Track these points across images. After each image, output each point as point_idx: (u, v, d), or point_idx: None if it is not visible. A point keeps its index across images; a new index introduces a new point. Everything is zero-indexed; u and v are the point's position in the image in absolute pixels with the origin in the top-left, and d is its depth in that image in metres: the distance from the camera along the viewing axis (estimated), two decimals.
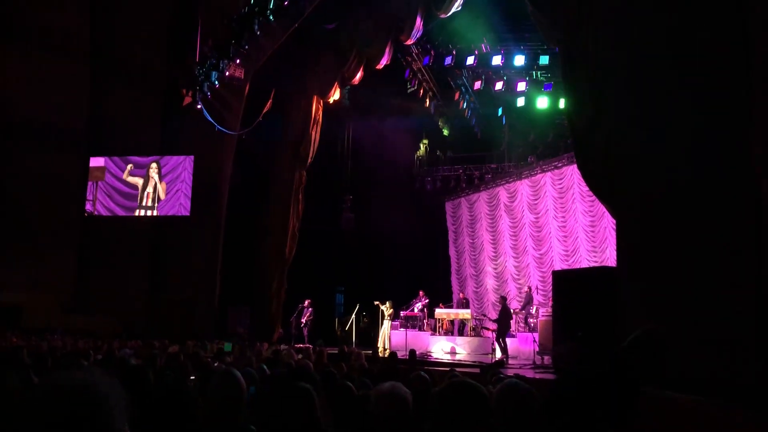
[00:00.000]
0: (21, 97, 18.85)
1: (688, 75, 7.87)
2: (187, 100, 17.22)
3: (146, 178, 18.83)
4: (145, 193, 18.81)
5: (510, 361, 13.18)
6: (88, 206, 18.88)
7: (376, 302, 16.45)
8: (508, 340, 14.02)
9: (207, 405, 2.90)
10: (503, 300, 15.06)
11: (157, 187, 18.72)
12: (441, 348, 15.38)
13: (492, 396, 2.25)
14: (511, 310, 15.09)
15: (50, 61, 18.78)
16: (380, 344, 16.02)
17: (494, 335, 14.26)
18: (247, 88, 17.55)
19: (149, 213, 18.78)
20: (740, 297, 6.99)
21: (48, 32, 18.65)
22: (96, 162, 19.05)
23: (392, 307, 16.49)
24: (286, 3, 14.34)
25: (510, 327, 14.63)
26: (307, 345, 15.58)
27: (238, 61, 16.18)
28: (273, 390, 3.49)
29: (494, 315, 15.62)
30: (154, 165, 18.79)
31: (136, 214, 18.82)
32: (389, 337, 15.97)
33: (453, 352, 15.03)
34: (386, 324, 16.35)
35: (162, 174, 18.72)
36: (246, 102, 17.82)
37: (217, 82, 16.34)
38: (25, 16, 18.67)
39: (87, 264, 19.02)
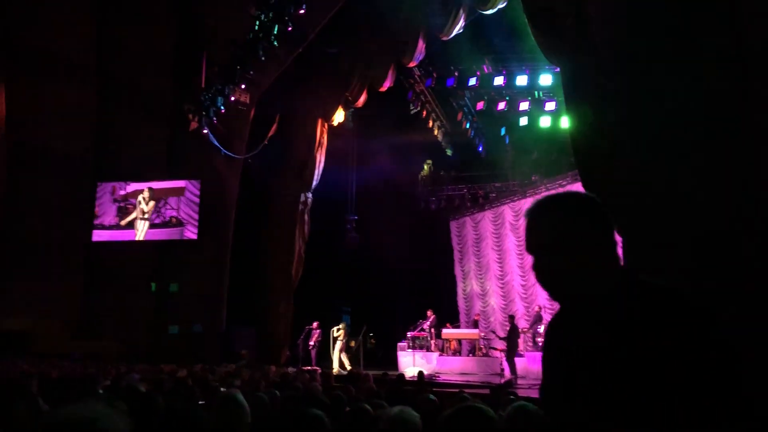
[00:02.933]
0: (28, 123, 19.07)
1: (693, 94, 7.92)
2: (194, 125, 17.40)
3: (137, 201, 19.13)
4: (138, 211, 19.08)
5: (519, 381, 13.11)
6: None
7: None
8: (516, 360, 13.96)
9: (211, 429, 2.94)
10: (511, 319, 15.04)
11: (144, 209, 18.93)
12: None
13: (501, 421, 2.27)
14: (520, 330, 15.05)
15: (57, 87, 19.00)
16: (336, 367, 15.99)
17: (503, 355, 14.21)
18: (253, 112, 17.74)
19: (143, 229, 18.89)
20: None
21: (55, 59, 18.90)
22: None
23: (344, 329, 16.69)
24: (289, 28, 14.53)
25: (518, 346, 14.57)
26: (315, 367, 15.55)
27: (243, 86, 16.38)
28: (284, 416, 3.51)
29: (502, 334, 15.57)
30: (145, 189, 19.00)
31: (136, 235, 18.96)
32: (340, 358, 16.26)
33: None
34: (338, 345, 16.48)
35: (159, 197, 18.88)
36: (251, 126, 18.00)
37: (222, 107, 16.52)
38: (32, 43, 18.93)
39: (92, 288, 19.07)
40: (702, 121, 7.70)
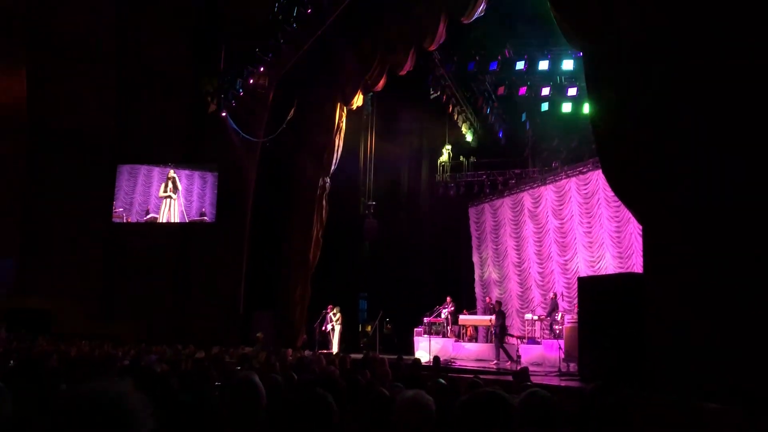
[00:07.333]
0: (49, 107, 19.23)
1: (716, 78, 7.73)
2: (212, 107, 17.43)
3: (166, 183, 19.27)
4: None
5: (536, 368, 13.00)
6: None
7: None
8: (533, 347, 13.93)
9: (227, 412, 2.92)
10: (497, 304, 15.24)
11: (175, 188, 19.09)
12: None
13: (515, 406, 2.24)
14: (505, 313, 15.40)
15: (77, 72, 19.11)
16: (335, 349, 16.11)
17: (519, 341, 14.20)
18: (271, 95, 17.70)
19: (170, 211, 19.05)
20: None
21: (75, 44, 18.99)
22: None
23: (340, 312, 16.97)
24: (309, 11, 14.43)
25: (506, 330, 14.79)
26: (331, 351, 15.62)
27: (262, 69, 16.33)
28: (293, 397, 3.49)
29: (518, 321, 15.53)
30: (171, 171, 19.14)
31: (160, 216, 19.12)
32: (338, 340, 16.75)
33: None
34: (337, 329, 16.58)
35: (181, 179, 19.03)
36: (270, 109, 17.97)
37: (241, 90, 16.50)
38: (52, 28, 19.01)
39: (113, 271, 19.28)
40: (733, 108, 7.51)
